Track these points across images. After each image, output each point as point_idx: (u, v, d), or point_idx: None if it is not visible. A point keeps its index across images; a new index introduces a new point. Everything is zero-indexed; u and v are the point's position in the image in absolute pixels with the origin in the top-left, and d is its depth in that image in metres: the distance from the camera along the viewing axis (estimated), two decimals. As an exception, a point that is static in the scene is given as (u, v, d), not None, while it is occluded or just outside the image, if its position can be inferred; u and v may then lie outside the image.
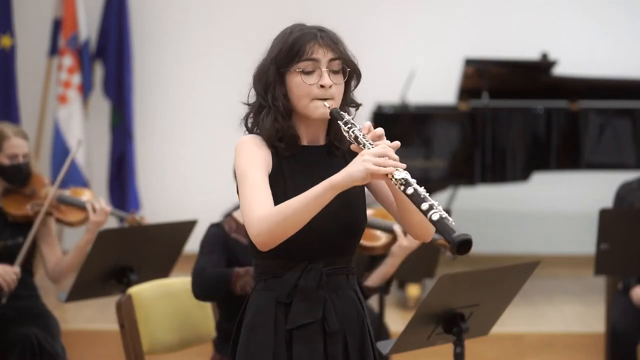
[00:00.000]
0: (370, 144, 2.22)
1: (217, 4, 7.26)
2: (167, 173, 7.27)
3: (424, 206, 2.13)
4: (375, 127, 2.27)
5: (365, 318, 2.43)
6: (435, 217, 2.11)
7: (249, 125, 2.39)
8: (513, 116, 6.15)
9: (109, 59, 6.72)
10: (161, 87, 7.24)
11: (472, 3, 7.29)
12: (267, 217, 2.21)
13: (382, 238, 3.50)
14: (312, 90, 2.30)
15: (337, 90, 2.33)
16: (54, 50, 6.66)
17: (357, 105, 2.42)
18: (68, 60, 6.53)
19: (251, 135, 2.36)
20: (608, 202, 4.72)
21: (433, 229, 2.31)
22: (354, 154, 2.29)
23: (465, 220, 6.12)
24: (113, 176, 6.77)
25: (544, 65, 6.39)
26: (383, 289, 3.57)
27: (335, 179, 2.17)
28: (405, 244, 3.42)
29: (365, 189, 2.40)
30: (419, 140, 5.99)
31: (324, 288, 2.34)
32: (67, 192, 4.07)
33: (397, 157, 2.20)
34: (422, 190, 2.15)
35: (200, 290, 3.24)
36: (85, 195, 4.10)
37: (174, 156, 7.28)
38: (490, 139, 6.06)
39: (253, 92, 2.39)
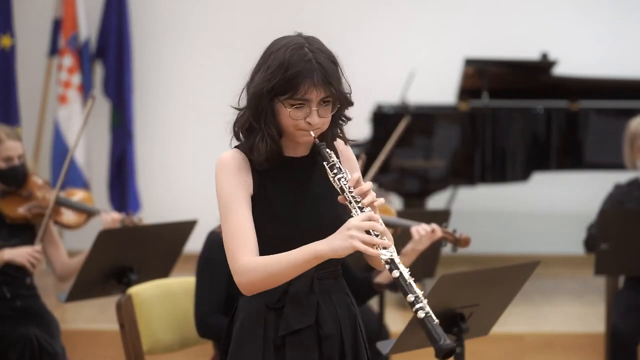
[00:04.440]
0: (357, 201, 2.22)
1: (217, 4, 7.26)
2: (167, 173, 7.27)
3: (410, 297, 2.13)
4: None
5: (357, 317, 2.44)
6: (420, 314, 2.12)
7: (239, 141, 2.36)
8: (513, 116, 6.15)
9: (109, 59, 6.72)
10: (161, 87, 7.24)
11: (472, 3, 7.29)
12: (252, 269, 2.24)
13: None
14: (299, 124, 2.28)
15: (324, 121, 2.31)
16: (54, 50, 6.66)
17: (348, 120, 2.40)
18: (68, 61, 6.53)
19: (231, 153, 2.33)
20: (608, 202, 4.72)
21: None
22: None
23: (465, 220, 6.11)
24: (113, 176, 6.77)
25: (544, 65, 6.39)
26: (393, 287, 3.57)
27: (320, 250, 2.19)
28: (420, 247, 3.46)
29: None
30: (418, 140, 5.98)
31: (317, 292, 2.35)
32: (62, 194, 4.06)
33: (384, 227, 2.20)
34: (407, 274, 2.15)
35: (207, 336, 3.38)
36: (77, 196, 4.10)
37: (174, 156, 7.29)
38: (490, 139, 6.06)
39: (244, 96, 2.36)
